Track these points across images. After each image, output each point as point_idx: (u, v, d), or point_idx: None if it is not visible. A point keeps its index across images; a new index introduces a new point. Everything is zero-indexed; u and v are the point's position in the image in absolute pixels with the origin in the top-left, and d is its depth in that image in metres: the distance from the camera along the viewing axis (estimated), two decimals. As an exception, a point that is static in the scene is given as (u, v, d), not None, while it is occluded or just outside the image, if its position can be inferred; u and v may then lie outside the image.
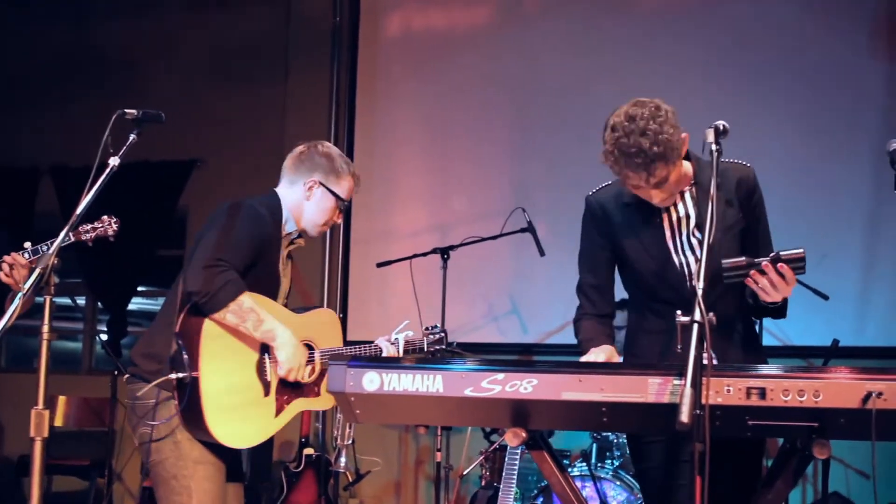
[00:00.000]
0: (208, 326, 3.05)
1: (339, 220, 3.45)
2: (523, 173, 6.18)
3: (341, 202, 3.38)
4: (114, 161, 2.81)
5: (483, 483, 5.07)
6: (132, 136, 2.90)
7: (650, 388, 2.34)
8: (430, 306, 5.32)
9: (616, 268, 3.04)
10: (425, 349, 3.59)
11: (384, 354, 3.43)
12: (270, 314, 3.13)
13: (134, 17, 7.14)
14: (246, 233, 3.14)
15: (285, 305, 3.40)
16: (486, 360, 2.49)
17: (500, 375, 2.41)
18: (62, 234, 2.67)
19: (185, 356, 2.99)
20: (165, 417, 3.06)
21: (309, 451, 5.39)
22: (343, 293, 6.40)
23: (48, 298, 2.54)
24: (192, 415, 3.02)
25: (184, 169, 6.68)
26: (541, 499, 4.71)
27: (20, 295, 2.49)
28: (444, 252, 5.18)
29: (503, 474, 4.47)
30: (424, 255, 5.24)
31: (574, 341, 3.01)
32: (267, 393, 3.15)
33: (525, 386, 2.40)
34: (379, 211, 6.43)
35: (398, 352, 3.46)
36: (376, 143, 6.52)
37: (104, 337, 6.88)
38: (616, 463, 4.87)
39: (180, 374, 2.97)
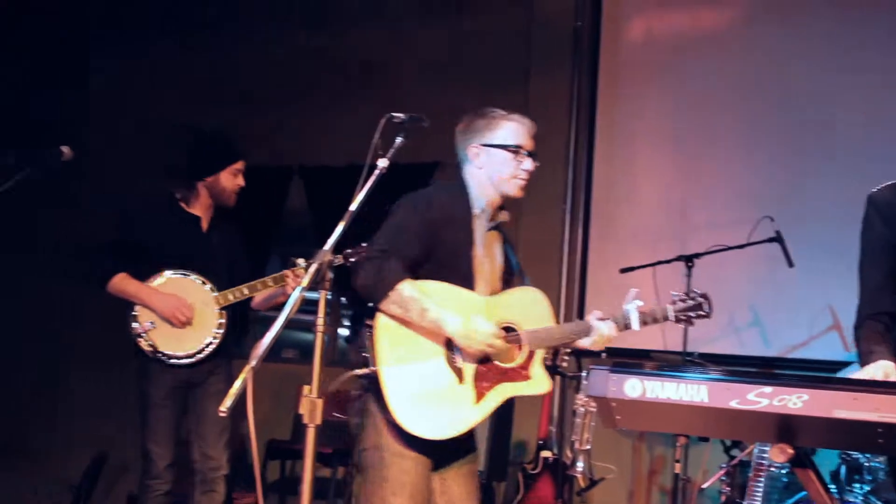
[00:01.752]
0: (381, 319, 3.07)
1: (530, 167, 3.30)
2: (771, 180, 5.97)
3: (514, 149, 3.28)
4: (383, 163, 2.91)
5: (723, 499, 4.93)
6: (398, 139, 3.00)
7: (934, 411, 2.21)
8: (671, 314, 5.24)
9: None
10: (671, 318, 3.34)
11: (602, 335, 3.26)
12: (446, 301, 3.06)
13: (379, 23, 7.35)
14: (408, 219, 3.14)
15: (502, 287, 3.32)
16: (730, 371, 2.42)
17: (769, 389, 2.34)
18: (336, 232, 2.77)
19: (367, 350, 3.03)
20: (366, 409, 3.09)
21: (547, 453, 5.41)
22: (580, 298, 6.37)
23: (323, 293, 2.65)
24: (383, 407, 3.05)
25: (427, 171, 6.82)
26: (787, 518, 4.54)
27: (299, 289, 2.61)
28: (689, 260, 5.09)
29: (747, 491, 4.34)
30: (668, 262, 5.16)
31: (820, 357, 2.91)
32: (461, 381, 3.10)
33: (794, 401, 2.32)
34: (618, 216, 6.38)
35: (631, 324, 3.27)
36: (617, 148, 6.47)
37: (346, 332, 7.16)
38: (866, 487, 4.63)
39: (363, 370, 3.02)
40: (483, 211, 3.31)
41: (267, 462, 6.45)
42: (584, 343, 3.31)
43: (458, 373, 3.11)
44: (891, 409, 2.26)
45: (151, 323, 4.42)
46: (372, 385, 3.07)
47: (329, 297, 2.69)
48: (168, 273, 4.49)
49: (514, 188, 3.31)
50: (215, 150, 4.70)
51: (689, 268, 5.08)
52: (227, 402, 2.46)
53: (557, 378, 5.59)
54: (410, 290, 3.05)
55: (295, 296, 2.60)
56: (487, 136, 3.31)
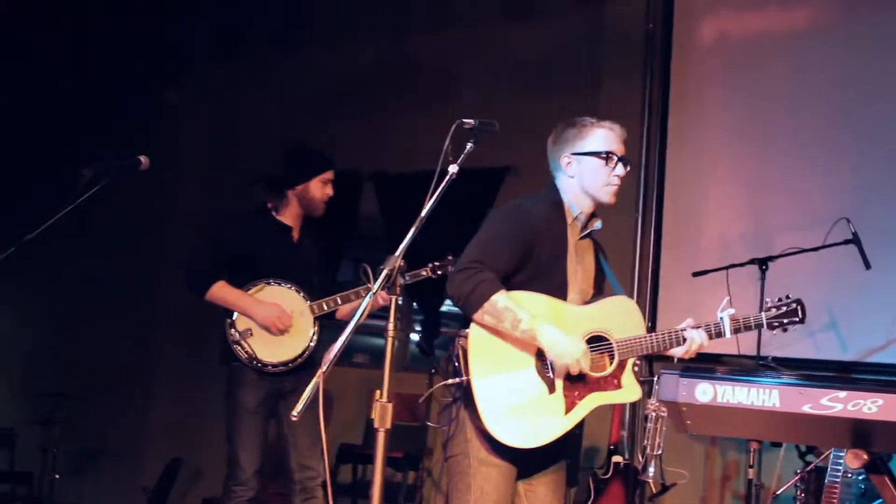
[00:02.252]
0: (474, 330, 3.10)
1: (622, 172, 3.31)
2: (847, 182, 5.85)
3: (605, 155, 3.28)
4: (453, 168, 2.93)
5: (799, 505, 4.87)
6: (469, 145, 3.02)
7: None
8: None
9: None
10: (764, 325, 3.30)
11: (695, 343, 3.24)
12: (538, 311, 3.07)
13: (447, 28, 7.39)
14: (503, 231, 3.16)
15: (595, 294, 3.35)
16: (805, 376, 2.40)
17: (842, 393, 2.32)
18: (408, 238, 2.80)
19: (459, 360, 3.06)
20: (456, 416, 3.13)
21: (618, 458, 5.39)
22: (653, 305, 6.33)
23: (394, 299, 2.69)
24: (474, 415, 3.09)
25: (498, 176, 6.83)
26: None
27: (370, 294, 2.66)
28: (763, 263, 5.03)
29: (822, 498, 4.28)
30: (742, 265, 5.11)
31: None
32: (552, 390, 3.11)
33: (869, 406, 2.30)
34: (690, 219, 6.32)
35: (724, 332, 3.24)
36: (688, 151, 6.41)
37: (416, 337, 7.20)
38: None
39: (454, 380, 3.05)
40: (576, 220, 3.34)
41: (339, 466, 6.52)
42: (677, 352, 3.30)
43: (549, 383, 3.14)
44: (969, 414, 2.23)
45: (249, 330, 4.52)
46: (463, 394, 3.11)
47: (400, 302, 2.73)
48: (266, 282, 4.60)
49: (607, 195, 3.34)
50: (306, 160, 4.81)
51: (763, 271, 5.03)
52: (299, 407, 2.51)
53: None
54: (505, 301, 3.07)
55: (366, 301, 2.64)
56: (578, 144, 3.33)
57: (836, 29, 6.06)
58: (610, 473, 5.35)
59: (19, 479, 7.15)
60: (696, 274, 5.31)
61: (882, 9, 5.90)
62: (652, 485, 5.49)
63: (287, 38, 7.93)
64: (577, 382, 3.15)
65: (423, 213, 2.82)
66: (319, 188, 4.72)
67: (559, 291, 3.22)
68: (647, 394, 5.29)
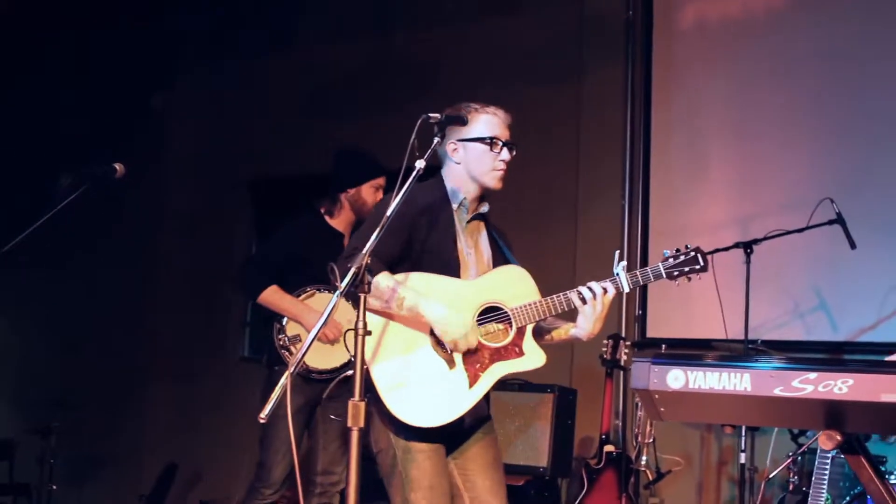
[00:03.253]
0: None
1: (507, 156, 3.30)
2: (830, 163, 5.85)
3: (490, 141, 3.27)
4: (420, 164, 2.92)
5: (791, 488, 4.86)
6: (436, 140, 3.01)
7: (982, 391, 2.16)
8: (733, 302, 5.18)
9: None
10: (663, 275, 3.23)
11: (597, 295, 3.17)
12: (427, 290, 3.07)
13: (430, 24, 7.38)
14: (380, 218, 3.11)
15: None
16: (799, 359, 2.38)
17: (813, 375, 2.30)
18: (374, 235, 2.80)
19: None
20: (369, 411, 3.12)
21: (610, 448, 5.38)
22: (643, 290, 6.32)
23: (363, 296, 2.68)
24: (380, 404, 3.08)
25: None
26: (855, 506, 4.46)
27: (336, 294, 2.64)
28: (747, 246, 5.02)
29: (813, 479, 4.27)
30: (726, 249, 5.09)
31: (892, 339, 2.83)
32: (452, 365, 3.10)
33: (840, 386, 2.28)
34: (677, 205, 6.31)
35: (622, 286, 3.18)
36: (673, 137, 6.40)
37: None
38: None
39: (349, 372, 3.03)
40: (461, 205, 3.34)
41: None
42: (586, 310, 3.20)
43: (448, 358, 3.13)
44: (939, 391, 2.21)
45: (298, 336, 4.54)
46: (368, 385, 3.10)
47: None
48: (317, 289, 4.62)
49: (492, 180, 3.33)
50: (358, 164, 4.78)
51: (749, 254, 5.02)
52: (267, 409, 2.50)
53: (619, 372, 5.54)
54: (386, 281, 3.07)
55: (332, 301, 2.63)
56: (463, 131, 3.31)
57: (817, 11, 6.04)
58: (603, 463, 5.34)
59: (18, 491, 7.14)
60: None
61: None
62: (648, 473, 5.50)
63: (276, 38, 7.92)
64: (476, 355, 3.13)
65: (390, 210, 2.81)
66: (371, 193, 4.71)
67: (451, 272, 3.22)
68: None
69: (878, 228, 5.41)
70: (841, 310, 5.75)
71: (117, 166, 3.86)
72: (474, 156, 3.31)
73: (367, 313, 3.00)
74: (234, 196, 7.96)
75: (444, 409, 3.10)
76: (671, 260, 3.26)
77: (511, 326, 3.19)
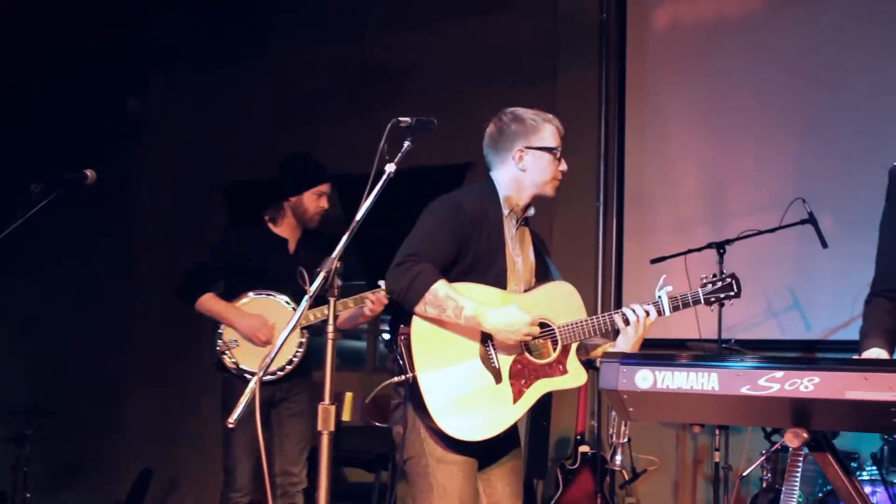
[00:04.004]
0: (416, 324, 3.09)
1: (565, 167, 3.37)
2: (803, 163, 5.89)
3: (555, 151, 3.33)
4: (390, 168, 2.93)
5: (764, 485, 4.90)
6: (406, 143, 3.01)
7: (945, 387, 2.19)
8: (706, 302, 5.21)
9: None
10: (702, 301, 3.30)
11: (640, 317, 3.21)
12: (480, 300, 3.08)
13: (404, 28, 7.39)
14: (437, 223, 3.15)
15: (536, 283, 3.36)
16: (766, 357, 2.40)
17: (779, 373, 2.33)
18: (343, 240, 2.81)
19: (403, 357, 3.06)
20: (406, 417, 3.12)
21: (585, 448, 5.40)
22: (617, 291, 6.35)
23: (332, 300, 2.68)
24: (424, 413, 3.09)
25: (458, 173, 6.82)
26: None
27: (307, 297, 2.65)
28: (721, 247, 5.05)
29: (785, 477, 4.29)
30: (699, 249, 5.13)
31: None
32: (499, 380, 3.12)
33: (806, 384, 2.31)
34: (652, 205, 6.34)
35: (664, 310, 3.24)
36: (647, 138, 6.43)
37: (386, 337, 7.17)
38: (911, 467, 4.57)
39: (400, 377, 3.05)
40: (512, 211, 3.35)
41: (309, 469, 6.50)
42: (629, 331, 3.26)
43: (496, 373, 3.14)
44: (903, 387, 2.24)
45: (235, 341, 4.60)
46: (411, 392, 3.10)
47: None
48: (252, 294, 4.65)
49: (552, 189, 3.38)
50: (300, 172, 4.79)
51: (721, 254, 5.05)
52: (235, 414, 2.51)
53: (594, 373, 5.55)
54: (446, 290, 3.07)
55: (302, 307, 2.63)
56: (534, 139, 3.34)
57: (789, 12, 6.09)
58: (578, 464, 5.36)
59: (-7, 500, 7.09)
60: (654, 261, 5.33)
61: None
62: (623, 472, 5.52)
63: (251, 42, 7.91)
64: (522, 370, 3.16)
65: (359, 214, 2.82)
66: (313, 201, 4.73)
67: (498, 282, 3.22)
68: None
69: (849, 228, 5.45)
70: (814, 308, 5.80)
71: (88, 173, 3.86)
72: (540, 164, 3.33)
73: (421, 320, 3.07)
74: (210, 200, 7.94)
75: (488, 425, 3.12)
76: (710, 286, 3.32)
77: (557, 343, 3.22)
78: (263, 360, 2.57)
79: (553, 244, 6.50)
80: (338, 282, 2.69)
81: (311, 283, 2.64)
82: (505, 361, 3.16)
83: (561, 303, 3.29)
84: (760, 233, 5.13)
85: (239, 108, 7.88)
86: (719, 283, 3.32)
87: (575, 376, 3.26)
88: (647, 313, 3.26)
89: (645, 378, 2.44)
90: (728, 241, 5.09)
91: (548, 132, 3.35)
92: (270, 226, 4.78)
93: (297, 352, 4.59)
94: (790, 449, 4.28)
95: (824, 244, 5.03)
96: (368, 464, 6.05)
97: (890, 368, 2.28)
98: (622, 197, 6.43)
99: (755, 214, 5.59)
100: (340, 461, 6.24)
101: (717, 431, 4.96)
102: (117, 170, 7.49)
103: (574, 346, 3.28)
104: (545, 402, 5.74)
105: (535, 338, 3.20)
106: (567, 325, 3.23)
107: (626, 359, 2.49)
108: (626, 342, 3.28)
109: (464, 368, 3.11)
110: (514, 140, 3.34)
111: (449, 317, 3.07)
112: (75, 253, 7.80)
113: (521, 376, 3.16)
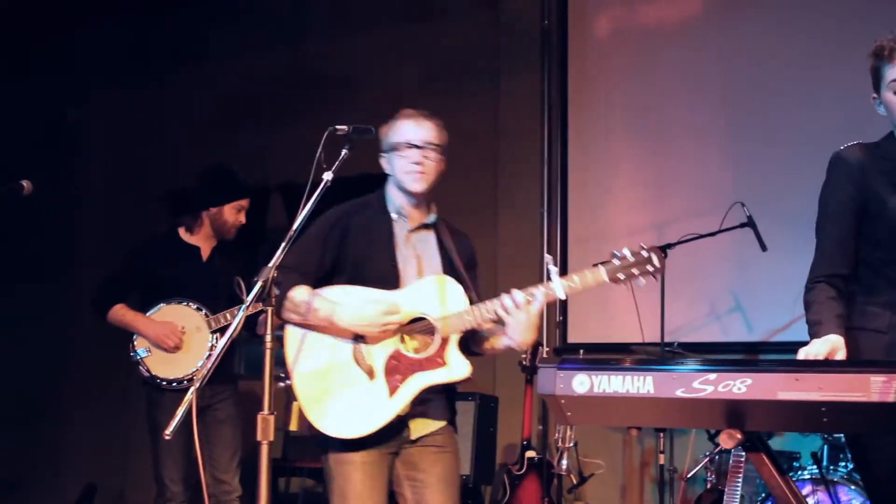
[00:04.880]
0: (288, 330, 3.17)
1: (416, 157, 3.28)
2: (742, 167, 5.97)
3: (399, 145, 3.30)
4: (327, 176, 2.93)
5: (708, 486, 4.95)
6: (344, 152, 3.02)
7: (872, 387, 2.23)
8: (650, 306, 5.26)
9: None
10: (604, 279, 3.13)
11: (505, 305, 3.13)
12: (349, 300, 3.08)
13: (345, 35, 7.37)
14: (308, 235, 3.18)
15: None
16: (706, 360, 2.43)
17: (713, 375, 2.36)
18: (281, 249, 2.80)
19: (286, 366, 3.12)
20: (304, 424, 3.15)
21: (531, 453, 5.41)
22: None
23: (270, 310, 2.68)
24: (306, 418, 3.14)
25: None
26: (769, 503, 4.55)
27: (243, 307, 2.64)
28: (662, 250, 5.08)
29: (728, 478, 4.34)
30: (640, 254, 5.16)
31: (804, 339, 2.84)
32: (373, 377, 3.12)
33: (739, 386, 2.34)
34: (595, 211, 6.39)
35: (556, 292, 3.13)
36: (590, 144, 6.48)
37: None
38: (850, 465, 4.64)
39: (281, 384, 3.08)
40: (400, 214, 3.35)
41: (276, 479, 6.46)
42: (519, 316, 3.16)
43: (369, 370, 3.13)
44: (833, 387, 2.28)
45: (147, 350, 4.62)
46: (294, 398, 3.14)
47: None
48: (164, 302, 4.68)
49: (409, 182, 3.30)
50: (224, 184, 4.85)
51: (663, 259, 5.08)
52: (172, 425, 2.49)
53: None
54: (301, 294, 3.11)
55: (239, 316, 2.62)
56: (384, 143, 3.38)
57: (728, 19, 6.17)
58: (525, 469, 5.37)
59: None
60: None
61: (769, 5, 6.03)
62: (571, 477, 5.54)
63: (187, 52, 7.86)
64: (397, 366, 3.13)
65: (296, 223, 2.82)
66: (233, 214, 4.79)
67: (387, 284, 3.20)
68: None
69: (788, 231, 5.51)
70: (755, 311, 5.87)
71: (25, 183, 3.82)
72: (396, 163, 3.33)
73: (293, 327, 3.12)
74: (150, 208, 7.86)
75: (363, 420, 3.10)
76: (615, 261, 3.16)
77: (435, 337, 3.17)
78: (200, 371, 2.54)
79: (498, 251, 6.54)
80: (275, 290, 2.68)
81: (248, 292, 2.63)
82: (379, 358, 3.14)
83: (439, 296, 3.21)
84: (701, 236, 5.18)
85: (179, 116, 7.82)
86: (632, 259, 3.13)
87: (455, 369, 3.15)
88: (529, 301, 3.15)
89: (582, 382, 2.46)
90: (669, 245, 5.14)
91: (395, 130, 3.35)
92: (184, 234, 4.82)
93: (209, 357, 4.56)
94: (732, 450, 4.37)
95: (763, 247, 5.11)
96: (317, 473, 6.01)
97: (819, 369, 2.32)
98: (566, 203, 6.47)
99: (696, 219, 5.65)
100: (287, 471, 6.20)
101: (662, 434, 5.01)
102: (57, 177, 7.42)
103: (454, 339, 3.18)
104: (491, 408, 5.78)
105: (403, 332, 3.17)
106: (444, 318, 3.16)
107: (564, 363, 2.50)
108: (514, 330, 3.17)
109: (335, 368, 3.13)
110: (381, 151, 3.40)
111: (309, 320, 3.11)
112: (16, 262, 7.68)
113: (397, 371, 3.13)
